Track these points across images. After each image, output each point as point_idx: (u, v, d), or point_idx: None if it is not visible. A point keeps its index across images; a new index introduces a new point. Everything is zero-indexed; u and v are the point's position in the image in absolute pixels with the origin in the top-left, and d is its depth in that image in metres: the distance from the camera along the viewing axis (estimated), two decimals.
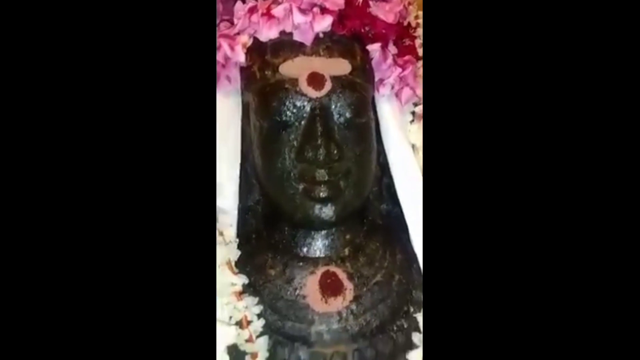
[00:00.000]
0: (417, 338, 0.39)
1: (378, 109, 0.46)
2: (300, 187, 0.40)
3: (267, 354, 0.37)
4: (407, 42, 0.46)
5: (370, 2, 0.43)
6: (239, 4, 0.43)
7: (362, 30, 0.43)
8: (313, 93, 0.40)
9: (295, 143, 0.40)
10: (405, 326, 0.40)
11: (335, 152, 0.39)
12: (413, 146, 0.47)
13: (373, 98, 0.45)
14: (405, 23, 0.46)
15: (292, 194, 0.41)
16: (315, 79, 0.40)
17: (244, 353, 0.37)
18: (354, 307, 0.40)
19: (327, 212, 0.40)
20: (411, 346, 0.39)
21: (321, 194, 0.40)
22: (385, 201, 0.47)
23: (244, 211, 0.44)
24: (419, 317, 0.40)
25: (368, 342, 0.39)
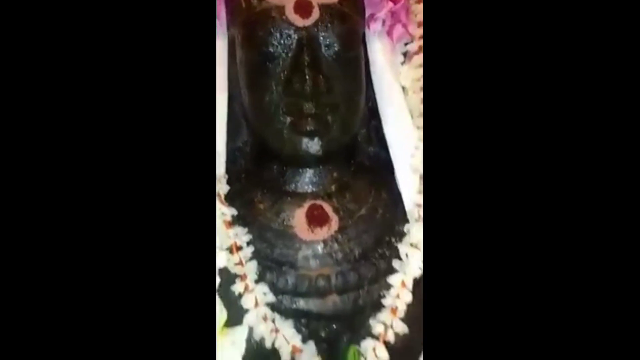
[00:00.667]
0: (398, 264, 0.42)
1: (368, 47, 0.46)
2: (288, 120, 0.41)
3: (255, 276, 0.40)
4: None
5: None
6: None
7: None
8: (300, 21, 0.40)
9: (282, 75, 0.41)
10: (387, 254, 0.43)
11: (322, 84, 0.40)
12: (403, 88, 0.47)
13: (364, 35, 0.45)
14: None
15: (279, 128, 0.42)
16: (302, 6, 0.40)
17: (235, 275, 0.39)
18: (338, 236, 0.42)
19: (313, 146, 0.41)
20: (392, 271, 0.41)
21: (308, 127, 0.41)
22: (373, 144, 0.48)
23: (233, 151, 0.45)
24: (400, 246, 0.42)
25: (351, 266, 0.41)
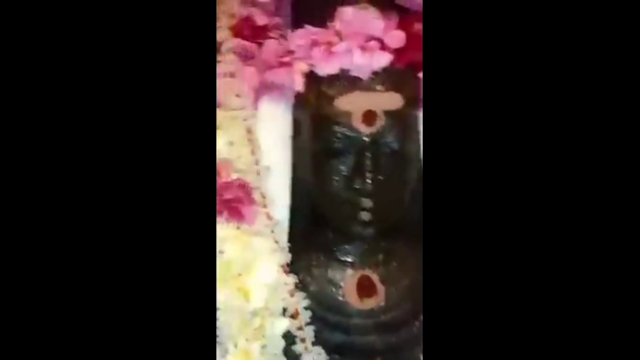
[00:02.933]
0: None
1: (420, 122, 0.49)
2: (347, 210, 0.47)
3: (313, 339, 0.47)
4: None
5: None
6: (300, 32, 0.45)
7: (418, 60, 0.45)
8: (365, 129, 0.44)
9: (343, 172, 0.46)
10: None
11: (381, 183, 0.45)
12: None
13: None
14: None
15: (338, 212, 0.47)
16: (369, 117, 0.44)
17: (295, 337, 0.46)
18: (383, 304, 0.49)
19: (368, 231, 0.47)
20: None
21: (365, 218, 0.46)
22: (416, 201, 0.52)
23: (295, 211, 0.50)
24: None
25: (393, 332, 0.48)
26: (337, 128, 0.45)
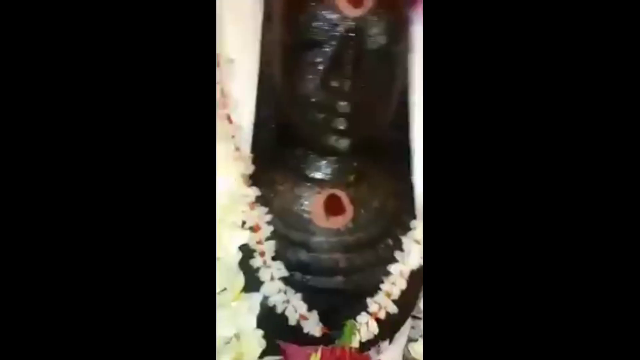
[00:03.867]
0: (399, 255, 0.47)
1: (412, 30, 0.43)
2: (320, 117, 0.41)
3: (273, 254, 0.45)
4: None
5: None
6: None
7: None
8: (350, 11, 0.37)
9: (320, 68, 0.39)
10: (392, 245, 0.47)
11: (362, 83, 0.39)
12: None
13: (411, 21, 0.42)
14: None
15: (309, 121, 0.42)
16: None
17: (254, 251, 0.44)
18: (350, 225, 0.46)
19: (342, 143, 0.42)
20: (393, 261, 0.47)
21: (340, 126, 0.41)
22: (397, 130, 0.48)
23: (259, 125, 0.45)
24: (404, 239, 0.47)
25: (358, 253, 0.46)
26: (317, 11, 0.37)
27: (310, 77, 0.39)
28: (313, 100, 0.40)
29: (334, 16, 0.37)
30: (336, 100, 0.40)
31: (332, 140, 0.42)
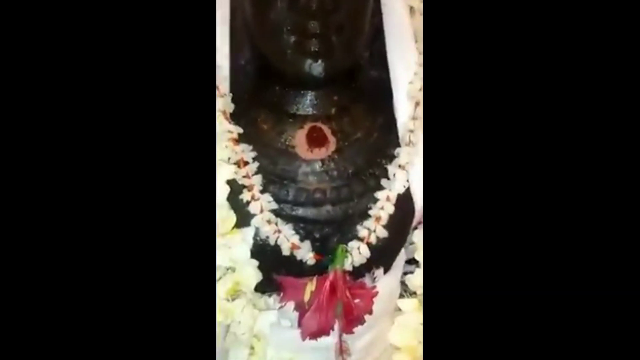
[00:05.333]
0: (385, 182, 0.48)
1: None
2: (292, 39, 0.42)
3: (260, 187, 0.46)
4: None
5: None
6: None
7: None
8: None
9: None
10: (377, 173, 0.48)
11: (330, 2, 0.40)
12: (411, 8, 0.46)
13: None
14: None
15: (282, 47, 0.42)
16: None
17: (242, 186, 0.45)
18: (335, 156, 0.47)
19: (317, 68, 0.43)
20: (379, 188, 0.48)
21: (312, 47, 0.42)
22: (375, 67, 0.49)
23: (236, 69, 0.47)
24: (389, 167, 0.48)
25: (344, 182, 0.47)
26: None
27: (279, 2, 0.40)
28: (283, 25, 0.41)
29: None
30: (306, 20, 0.40)
31: (307, 65, 0.43)
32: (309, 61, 0.42)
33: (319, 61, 0.42)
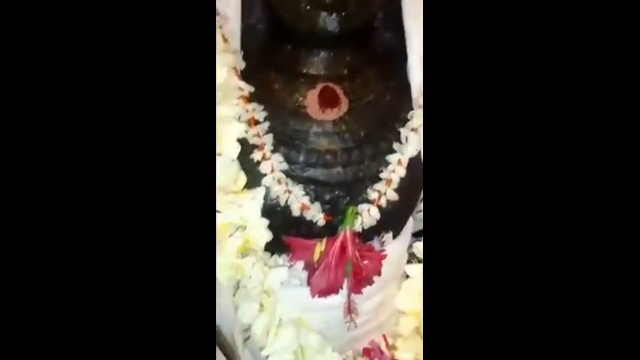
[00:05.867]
0: (397, 146, 0.48)
1: None
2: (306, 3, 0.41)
3: (271, 147, 0.45)
4: None
5: None
6: None
7: None
8: None
9: None
10: (389, 136, 0.48)
11: None
12: None
13: None
14: None
15: (296, 1, 0.42)
16: None
17: (253, 145, 0.45)
18: (347, 117, 0.47)
19: (331, 22, 0.42)
20: (391, 151, 0.47)
21: (327, 0, 0.41)
22: (389, 29, 0.48)
23: (247, 28, 0.46)
24: (402, 130, 0.47)
25: (356, 144, 0.47)
26: None
27: None
28: None
29: None
30: None
31: (321, 18, 0.42)
32: (323, 14, 0.41)
33: (334, 15, 0.41)
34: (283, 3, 0.43)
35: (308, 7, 0.41)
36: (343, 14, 0.42)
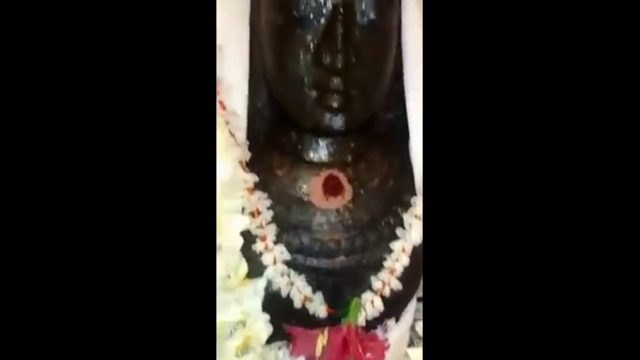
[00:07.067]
0: (400, 232, 0.47)
1: (403, 8, 0.43)
2: (313, 94, 0.41)
3: (274, 238, 0.45)
4: None
5: None
6: None
7: None
8: None
9: (312, 45, 0.39)
10: (392, 222, 0.47)
11: (353, 59, 0.39)
12: None
13: None
14: None
15: (302, 100, 0.42)
16: None
17: (255, 236, 0.44)
18: (350, 205, 0.46)
19: (337, 121, 0.42)
20: (395, 238, 0.47)
21: (334, 103, 0.41)
22: (393, 108, 0.48)
23: (253, 113, 0.46)
24: (405, 216, 0.47)
25: (359, 232, 0.46)
26: None
27: (302, 55, 0.40)
28: (305, 78, 0.41)
29: None
30: (329, 76, 0.40)
31: (327, 119, 0.42)
32: (328, 115, 0.42)
33: (339, 115, 0.42)
34: (288, 100, 0.43)
35: (314, 107, 0.41)
36: (349, 114, 0.42)
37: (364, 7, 0.38)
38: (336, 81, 0.40)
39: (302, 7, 0.38)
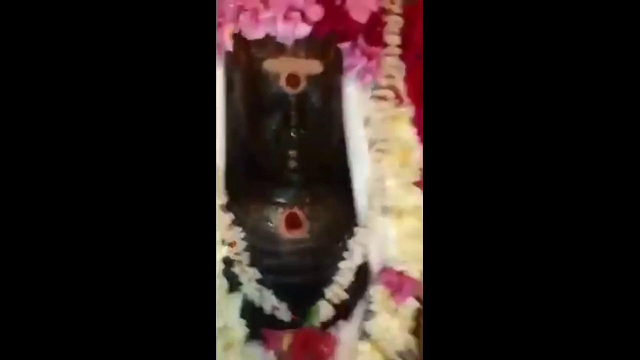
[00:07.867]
0: (347, 254, 0.61)
1: (344, 88, 0.57)
2: (277, 160, 0.56)
3: (248, 262, 0.58)
4: (377, 31, 0.54)
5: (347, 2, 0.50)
6: None
7: (337, 31, 0.51)
8: (290, 90, 0.51)
9: (274, 126, 0.54)
10: (340, 248, 0.62)
11: (305, 136, 0.54)
12: (367, 119, 0.59)
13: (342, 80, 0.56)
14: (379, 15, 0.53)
15: (270, 162, 0.57)
16: (293, 80, 0.51)
17: (234, 260, 0.58)
18: (307, 236, 0.61)
19: (295, 178, 0.58)
20: (342, 259, 0.61)
21: (292, 165, 0.56)
22: (341, 163, 0.62)
23: (231, 168, 0.58)
24: (349, 242, 0.61)
25: (315, 256, 0.61)
26: (266, 88, 0.51)
27: (266, 135, 0.54)
28: (271, 148, 0.55)
29: (279, 94, 0.51)
30: (287, 149, 0.55)
31: (288, 176, 0.57)
32: (289, 174, 0.57)
33: (297, 175, 0.57)
34: (260, 158, 0.57)
35: (278, 169, 0.56)
36: (304, 174, 0.57)
37: (313, 100, 0.52)
38: (292, 153, 0.54)
39: (266, 102, 0.52)
